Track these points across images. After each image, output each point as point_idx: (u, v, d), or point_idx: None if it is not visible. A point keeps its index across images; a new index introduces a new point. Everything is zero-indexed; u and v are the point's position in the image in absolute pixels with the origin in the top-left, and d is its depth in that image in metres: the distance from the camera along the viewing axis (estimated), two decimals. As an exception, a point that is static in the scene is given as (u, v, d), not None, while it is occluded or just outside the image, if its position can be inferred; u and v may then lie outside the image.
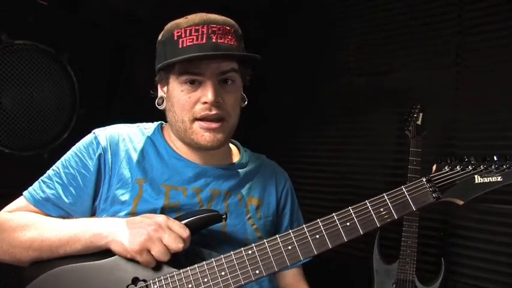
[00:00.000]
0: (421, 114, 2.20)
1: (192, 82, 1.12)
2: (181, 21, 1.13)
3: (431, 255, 2.31)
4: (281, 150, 2.87)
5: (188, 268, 1.03)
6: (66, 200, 1.16)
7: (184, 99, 1.13)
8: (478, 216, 2.18)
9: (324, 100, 2.86)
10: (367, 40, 2.70)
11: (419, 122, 2.19)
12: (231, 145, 1.36)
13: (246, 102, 1.25)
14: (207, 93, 1.10)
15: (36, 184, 1.21)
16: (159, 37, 1.18)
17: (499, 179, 0.94)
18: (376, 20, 2.66)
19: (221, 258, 1.03)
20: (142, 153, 1.21)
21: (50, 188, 1.17)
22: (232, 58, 1.14)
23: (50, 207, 1.17)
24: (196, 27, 1.09)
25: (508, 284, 2.06)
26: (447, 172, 0.99)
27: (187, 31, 1.09)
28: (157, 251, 1.02)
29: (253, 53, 1.15)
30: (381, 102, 2.61)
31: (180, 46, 1.09)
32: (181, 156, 1.23)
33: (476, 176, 0.97)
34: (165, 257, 1.02)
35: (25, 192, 1.20)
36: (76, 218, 1.15)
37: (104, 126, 1.26)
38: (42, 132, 2.11)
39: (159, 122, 1.32)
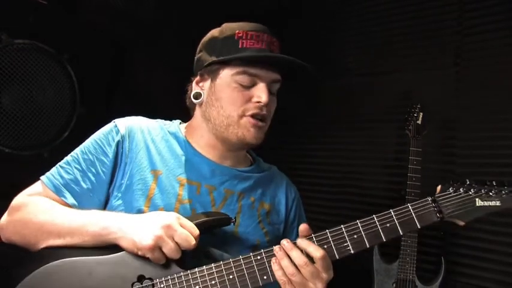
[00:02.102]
0: (421, 114, 2.21)
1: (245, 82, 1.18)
2: (242, 24, 1.20)
3: (431, 255, 2.31)
4: (281, 150, 2.88)
5: (196, 269, 1.03)
6: (84, 185, 1.16)
7: (236, 95, 1.17)
8: (478, 215, 2.18)
9: (324, 100, 2.86)
10: (368, 40, 2.70)
11: (419, 122, 2.20)
12: (245, 152, 1.37)
13: None
14: (262, 94, 1.16)
15: (54, 169, 1.20)
16: (215, 33, 1.22)
17: (498, 203, 1.03)
18: (376, 20, 2.66)
19: (230, 262, 1.03)
20: (160, 145, 1.23)
21: (69, 173, 1.18)
22: (279, 72, 1.21)
23: (67, 192, 1.17)
24: (258, 33, 1.18)
25: (508, 284, 2.06)
26: (451, 194, 1.06)
27: (249, 34, 1.17)
28: (168, 249, 1.01)
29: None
30: (382, 102, 2.61)
31: (240, 46, 1.16)
32: (199, 152, 1.24)
33: (477, 199, 1.05)
34: (176, 255, 1.02)
35: (43, 177, 1.20)
36: (92, 205, 1.15)
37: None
38: (42, 131, 2.10)
39: (177, 120, 1.34)
